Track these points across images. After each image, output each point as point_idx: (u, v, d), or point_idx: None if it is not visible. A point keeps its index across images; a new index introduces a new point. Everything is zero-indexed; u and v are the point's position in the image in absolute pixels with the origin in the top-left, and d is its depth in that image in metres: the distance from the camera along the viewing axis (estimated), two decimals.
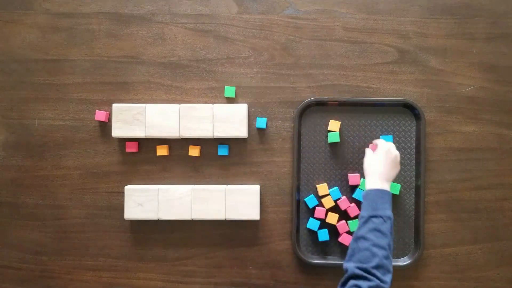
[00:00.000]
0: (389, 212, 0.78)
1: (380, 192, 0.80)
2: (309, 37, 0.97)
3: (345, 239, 0.94)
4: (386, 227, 0.75)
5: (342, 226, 0.94)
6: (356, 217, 0.95)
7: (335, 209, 0.95)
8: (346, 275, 0.71)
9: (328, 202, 0.95)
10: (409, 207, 0.96)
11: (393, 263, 0.93)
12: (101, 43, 0.98)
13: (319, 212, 0.94)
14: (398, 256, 0.96)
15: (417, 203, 0.95)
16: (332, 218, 0.94)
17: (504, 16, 0.96)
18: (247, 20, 0.97)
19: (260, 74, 0.97)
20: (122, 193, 0.96)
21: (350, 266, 0.72)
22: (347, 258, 0.74)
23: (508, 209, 0.96)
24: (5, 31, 0.98)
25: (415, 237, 0.95)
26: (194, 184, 0.97)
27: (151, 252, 0.98)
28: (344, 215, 0.95)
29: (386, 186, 0.82)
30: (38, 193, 0.98)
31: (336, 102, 0.96)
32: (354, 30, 0.97)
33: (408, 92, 0.96)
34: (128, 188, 0.94)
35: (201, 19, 0.98)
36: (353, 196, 0.95)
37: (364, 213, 0.78)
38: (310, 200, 0.95)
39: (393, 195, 0.95)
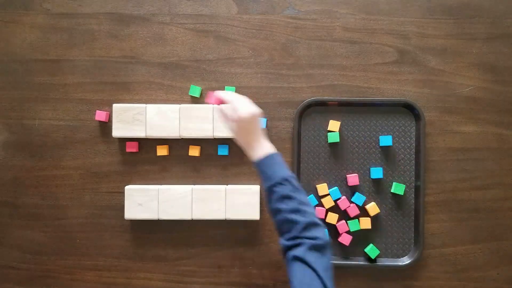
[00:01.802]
0: (281, 173, 0.73)
1: (264, 160, 0.75)
2: (309, 37, 0.97)
3: (345, 239, 0.94)
4: (288, 189, 0.72)
5: (342, 226, 0.94)
6: (356, 217, 0.95)
7: (335, 209, 0.95)
8: (282, 251, 0.71)
9: (328, 202, 0.95)
10: (409, 207, 0.96)
11: (393, 263, 0.94)
12: (101, 43, 0.98)
13: (319, 212, 0.95)
14: (398, 256, 0.96)
15: (417, 203, 0.95)
16: (332, 218, 0.94)
17: (503, 16, 0.96)
18: (247, 20, 0.97)
19: (260, 74, 0.97)
20: (122, 193, 0.96)
21: (281, 241, 0.71)
22: (278, 234, 0.73)
23: (508, 209, 0.96)
24: (5, 31, 0.98)
25: (415, 237, 0.95)
26: (194, 184, 0.97)
27: (151, 252, 0.98)
28: (344, 215, 0.95)
29: (267, 148, 0.75)
30: (38, 193, 0.98)
31: (336, 102, 0.96)
32: (354, 30, 0.97)
33: (408, 92, 0.97)
34: (128, 188, 0.94)
35: (201, 19, 0.98)
36: (352, 199, 0.95)
37: (264, 185, 0.74)
38: (310, 200, 0.95)
39: (395, 195, 0.95)
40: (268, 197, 0.74)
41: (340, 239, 0.94)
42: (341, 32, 0.97)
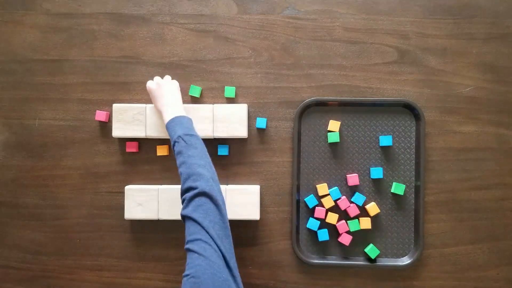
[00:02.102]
0: (178, 132, 0.79)
1: (168, 123, 0.83)
2: (309, 37, 0.97)
3: (344, 239, 0.94)
4: (181, 145, 0.77)
5: (342, 226, 0.94)
6: (355, 217, 0.95)
7: (335, 209, 0.95)
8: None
9: (328, 202, 0.95)
10: (409, 207, 0.96)
11: (393, 263, 0.94)
12: (101, 43, 0.98)
13: (319, 212, 0.95)
14: (398, 256, 0.96)
15: (417, 203, 0.95)
16: (332, 218, 0.94)
17: (503, 16, 0.96)
18: (247, 20, 0.97)
19: (260, 74, 0.97)
20: (122, 193, 0.96)
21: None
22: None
23: (508, 209, 0.96)
24: (5, 31, 0.98)
25: (415, 237, 0.95)
26: None
27: (151, 252, 0.98)
28: (344, 215, 0.95)
29: (172, 113, 0.84)
30: (38, 193, 0.98)
31: (336, 102, 0.96)
32: (354, 30, 0.97)
33: (408, 92, 0.97)
34: (128, 188, 0.94)
35: (201, 19, 0.98)
36: (352, 199, 0.95)
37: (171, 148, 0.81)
38: (310, 200, 0.95)
39: (395, 195, 0.95)
40: (174, 154, 0.79)
41: (340, 239, 0.94)
42: (341, 32, 0.97)
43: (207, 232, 0.66)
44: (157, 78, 0.91)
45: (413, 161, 0.96)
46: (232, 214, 0.93)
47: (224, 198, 0.93)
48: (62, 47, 0.98)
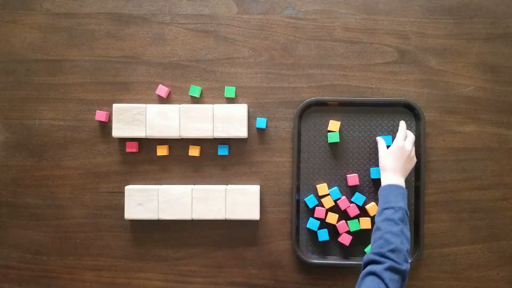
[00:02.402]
0: (401, 204, 0.80)
1: (393, 186, 0.84)
2: (309, 37, 0.97)
3: (344, 239, 0.94)
4: (398, 216, 0.78)
5: (342, 226, 0.94)
6: (355, 217, 0.95)
7: (335, 209, 0.95)
8: (363, 263, 0.74)
9: (328, 202, 0.95)
10: (409, 207, 0.96)
11: None
12: (101, 43, 0.98)
13: (319, 212, 0.95)
14: None
15: (417, 203, 0.95)
16: (332, 218, 0.94)
17: (503, 16, 0.96)
18: (247, 20, 0.97)
19: (260, 74, 0.97)
20: (122, 193, 0.96)
21: (367, 254, 0.75)
22: (370, 251, 0.77)
23: (508, 209, 0.96)
24: (5, 31, 0.98)
25: (415, 237, 0.95)
26: (194, 184, 0.97)
27: (151, 252, 0.98)
28: (344, 215, 0.95)
29: (400, 181, 0.86)
30: (38, 193, 0.98)
31: (336, 102, 0.96)
32: (354, 30, 0.97)
33: (408, 92, 0.97)
34: (128, 188, 0.94)
35: (201, 20, 0.98)
36: (352, 199, 0.95)
37: (379, 207, 0.82)
38: (310, 200, 0.95)
39: None
40: (377, 216, 0.80)
41: (340, 239, 0.94)
42: (341, 32, 0.97)
43: None
44: (411, 138, 0.91)
45: None
46: (232, 214, 0.93)
47: (224, 198, 0.94)
48: (62, 47, 0.98)
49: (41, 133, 0.98)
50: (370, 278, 0.69)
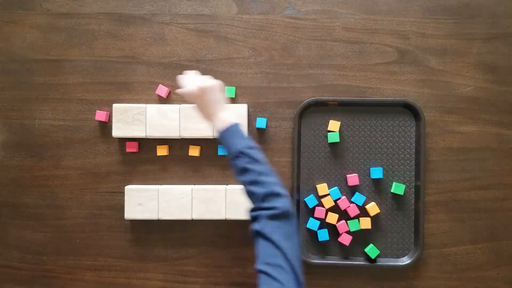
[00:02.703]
0: (238, 146, 0.72)
1: (222, 133, 0.75)
2: (309, 37, 0.97)
3: (345, 239, 0.94)
4: (244, 161, 0.71)
5: (342, 226, 0.94)
6: (355, 217, 0.95)
7: (335, 209, 0.95)
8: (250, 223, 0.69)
9: (328, 202, 0.95)
10: (409, 207, 0.96)
11: (393, 263, 0.94)
12: (101, 43, 0.98)
13: (319, 212, 0.95)
14: (398, 256, 0.96)
15: (417, 203, 0.95)
16: (332, 218, 0.94)
17: (503, 16, 0.96)
18: (247, 20, 0.97)
19: (260, 74, 0.97)
20: (122, 193, 0.96)
21: (249, 213, 0.70)
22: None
23: (508, 209, 0.96)
24: (5, 31, 0.98)
25: (415, 237, 0.95)
26: (194, 184, 0.97)
27: (151, 252, 0.98)
28: (344, 215, 0.95)
29: (225, 119, 0.75)
30: (38, 193, 0.98)
31: (336, 102, 0.96)
32: (354, 30, 0.97)
33: (408, 92, 0.97)
34: (128, 188, 0.94)
35: (201, 19, 0.98)
36: (352, 199, 0.95)
37: (228, 158, 0.75)
38: (310, 200, 0.95)
39: (395, 195, 0.95)
40: (232, 171, 0.74)
41: (340, 239, 0.94)
42: (341, 32, 0.97)
43: (286, 257, 0.64)
44: (193, 75, 0.81)
45: (413, 161, 0.96)
46: (232, 214, 0.93)
47: (224, 198, 0.94)
48: (62, 47, 0.98)
49: (41, 133, 0.98)
50: (259, 240, 0.65)
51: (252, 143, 0.74)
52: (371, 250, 0.94)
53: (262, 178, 0.70)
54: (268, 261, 0.64)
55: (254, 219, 0.68)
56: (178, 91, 0.81)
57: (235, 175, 0.73)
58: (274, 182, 0.70)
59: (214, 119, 0.77)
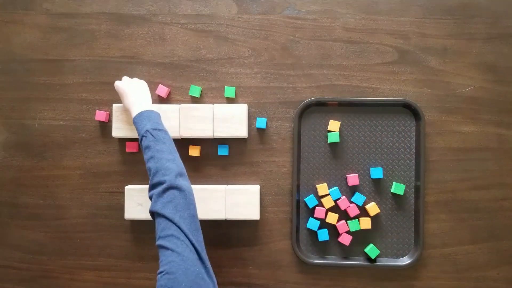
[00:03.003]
0: (146, 127, 0.78)
1: (135, 117, 0.82)
2: (309, 37, 0.97)
3: (345, 239, 0.94)
4: (148, 139, 0.76)
5: (342, 226, 0.94)
6: (355, 217, 0.95)
7: (335, 209, 0.95)
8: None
9: (328, 202, 0.95)
10: (409, 207, 0.96)
11: (393, 263, 0.94)
12: (101, 43, 0.98)
13: (319, 212, 0.95)
14: (398, 256, 0.96)
15: (417, 203, 0.95)
16: (332, 218, 0.94)
17: (503, 16, 0.96)
18: (247, 20, 0.97)
19: (260, 74, 0.97)
20: (122, 193, 0.96)
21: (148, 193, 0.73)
22: None
23: (508, 209, 0.96)
24: (5, 31, 0.98)
25: (415, 237, 0.95)
26: (194, 184, 0.96)
27: (151, 252, 0.98)
28: (344, 215, 0.95)
29: (139, 108, 0.83)
30: (38, 193, 0.98)
31: (336, 102, 0.96)
32: (354, 30, 0.97)
33: (408, 92, 0.97)
34: (128, 188, 0.94)
35: (201, 19, 0.98)
36: (352, 199, 0.95)
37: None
38: (310, 200, 0.95)
39: (395, 195, 0.95)
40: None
41: (340, 239, 0.94)
42: (341, 32, 0.97)
43: (179, 228, 0.66)
44: (125, 78, 0.92)
45: (413, 161, 0.96)
46: (232, 214, 0.93)
47: (224, 198, 0.94)
48: (62, 47, 0.98)
49: (41, 133, 0.98)
50: (156, 221, 0.67)
51: (161, 126, 0.79)
52: (371, 250, 0.94)
53: (158, 155, 0.73)
54: (162, 234, 0.65)
55: (150, 199, 0.70)
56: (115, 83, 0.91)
57: (143, 156, 0.77)
58: (169, 159, 0.73)
59: (132, 107, 0.85)
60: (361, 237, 0.96)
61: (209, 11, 0.98)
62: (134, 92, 0.87)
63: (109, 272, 0.98)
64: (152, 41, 0.98)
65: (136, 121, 0.82)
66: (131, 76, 0.98)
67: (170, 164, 0.72)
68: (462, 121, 0.96)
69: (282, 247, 0.97)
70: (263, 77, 0.97)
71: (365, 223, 0.94)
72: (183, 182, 0.71)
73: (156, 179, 0.70)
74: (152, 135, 0.77)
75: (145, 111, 0.83)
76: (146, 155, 0.75)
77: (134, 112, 0.84)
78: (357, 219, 0.95)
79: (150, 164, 0.73)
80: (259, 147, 0.97)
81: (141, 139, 0.78)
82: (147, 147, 0.75)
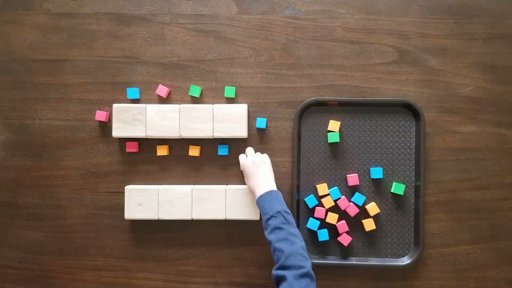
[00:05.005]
0: (276, 208, 0.81)
1: (264, 196, 0.84)
2: (309, 37, 0.97)
3: (344, 239, 0.94)
4: (278, 221, 0.79)
5: (341, 226, 0.94)
6: (355, 216, 0.95)
7: (335, 209, 0.95)
8: (274, 283, 0.73)
9: (328, 202, 0.95)
10: (409, 207, 0.96)
11: (393, 263, 0.94)
12: (101, 43, 0.98)
13: (319, 212, 0.95)
14: (398, 256, 0.96)
15: (417, 203, 0.95)
16: (332, 218, 0.94)
17: (503, 16, 0.96)
18: (247, 20, 0.97)
19: (260, 74, 0.97)
20: (122, 193, 0.96)
21: (272, 271, 0.74)
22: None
23: (508, 209, 0.96)
24: (5, 31, 0.98)
25: (415, 237, 0.95)
26: (194, 184, 0.97)
27: (151, 252, 0.98)
28: (343, 215, 0.95)
29: (266, 187, 0.86)
30: (38, 193, 0.98)
31: (336, 102, 0.96)
32: (354, 30, 0.97)
33: (408, 92, 0.97)
34: (128, 188, 0.94)
35: (201, 19, 0.98)
36: (352, 199, 0.95)
37: (263, 220, 0.82)
38: (310, 200, 0.95)
39: (395, 195, 0.95)
40: (265, 231, 0.80)
41: (340, 239, 0.94)
42: (341, 32, 0.97)
43: None
44: (250, 153, 0.93)
45: (413, 161, 0.96)
46: (232, 214, 0.93)
47: (224, 198, 0.94)
48: (62, 47, 0.98)
49: (41, 133, 0.98)
50: None
51: (287, 209, 0.82)
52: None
53: (292, 238, 0.76)
54: None
55: (279, 279, 0.72)
56: (240, 157, 0.93)
57: (266, 232, 0.79)
58: (302, 245, 0.76)
59: (257, 188, 0.86)
60: (361, 237, 0.96)
61: (209, 11, 0.98)
62: (260, 173, 0.88)
63: (109, 272, 0.98)
64: (152, 41, 0.98)
65: (263, 199, 0.84)
66: (131, 76, 0.97)
67: (305, 253, 0.75)
68: (462, 121, 0.96)
69: None
70: (263, 77, 0.97)
71: (369, 225, 0.94)
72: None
73: (292, 262, 0.72)
74: (284, 217, 0.79)
75: (272, 191, 0.85)
76: (277, 235, 0.77)
77: (260, 192, 0.85)
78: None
79: (282, 245, 0.75)
80: (259, 147, 0.97)
81: (269, 218, 0.80)
82: (278, 228, 0.78)
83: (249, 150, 0.94)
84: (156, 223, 0.97)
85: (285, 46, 0.97)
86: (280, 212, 0.80)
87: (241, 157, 0.93)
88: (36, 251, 0.98)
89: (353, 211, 0.94)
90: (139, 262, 0.98)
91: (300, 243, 0.76)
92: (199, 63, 0.98)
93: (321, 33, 0.97)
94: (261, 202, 0.84)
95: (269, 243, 0.78)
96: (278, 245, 0.75)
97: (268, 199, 0.83)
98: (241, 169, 0.93)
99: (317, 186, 0.95)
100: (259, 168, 0.89)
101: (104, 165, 0.98)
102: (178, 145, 0.97)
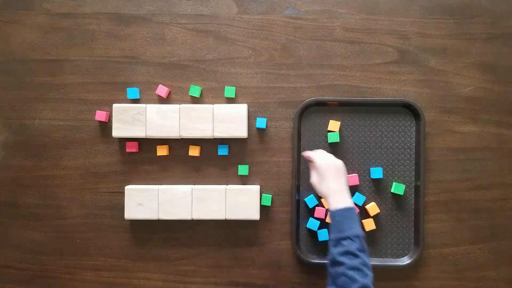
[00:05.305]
0: (356, 230, 0.75)
1: (343, 211, 0.78)
2: (309, 37, 0.97)
3: None
4: (356, 246, 0.74)
5: None
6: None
7: None
8: None
9: None
10: (409, 207, 0.96)
11: (393, 263, 0.94)
12: (101, 43, 0.98)
13: (319, 212, 0.95)
14: (398, 256, 0.96)
15: (417, 203, 0.95)
16: None
17: (503, 16, 0.96)
18: (247, 20, 0.97)
19: (260, 74, 0.97)
20: (122, 193, 0.96)
21: None
22: (329, 282, 0.74)
23: (508, 209, 0.96)
24: (5, 31, 0.98)
25: (415, 237, 0.95)
26: (194, 184, 0.97)
27: (151, 252, 0.98)
28: None
29: (347, 200, 0.79)
30: (38, 193, 0.98)
31: (336, 102, 0.96)
32: (354, 30, 0.97)
33: (408, 92, 0.97)
34: (128, 188, 0.94)
35: (201, 19, 0.98)
36: (352, 199, 0.95)
37: (333, 235, 0.76)
38: (310, 200, 0.95)
39: (395, 195, 0.95)
40: (332, 247, 0.75)
41: None
42: (341, 32, 0.97)
43: None
44: (324, 153, 0.87)
45: (413, 161, 0.96)
46: (232, 214, 0.93)
47: (224, 198, 0.94)
48: (62, 47, 0.98)
49: (41, 133, 0.98)
50: None
51: (363, 233, 0.77)
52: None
53: (365, 269, 0.73)
54: None
55: (336, 264, 0.71)
56: (305, 153, 0.89)
57: (335, 254, 0.74)
58: (372, 276, 0.73)
59: (332, 196, 0.79)
60: None
61: (209, 11, 0.98)
62: (342, 180, 0.81)
63: (109, 272, 0.98)
64: (152, 41, 0.98)
65: (341, 215, 0.77)
66: (131, 76, 0.97)
67: (372, 286, 0.72)
68: (462, 121, 0.96)
69: (282, 247, 0.97)
70: (263, 77, 0.97)
71: (369, 225, 0.94)
72: None
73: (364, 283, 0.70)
74: (361, 243, 0.74)
75: (353, 208, 0.78)
76: (350, 261, 0.72)
77: (338, 203, 0.78)
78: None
79: (355, 275, 0.71)
80: (259, 147, 0.97)
81: (345, 238, 0.75)
82: (353, 254, 0.73)
83: (321, 151, 0.89)
84: (156, 223, 0.97)
85: (285, 46, 0.97)
86: (358, 237, 0.74)
87: (314, 155, 0.86)
88: (36, 251, 0.98)
89: None
90: (139, 262, 0.98)
91: (371, 275, 0.73)
92: (199, 63, 0.98)
93: (321, 33, 0.97)
94: (338, 216, 0.77)
95: (334, 263, 0.73)
96: (349, 272, 0.71)
97: (347, 215, 0.77)
98: (313, 167, 0.86)
99: None
100: (342, 174, 0.82)
101: (104, 165, 0.98)
102: (178, 145, 0.97)
